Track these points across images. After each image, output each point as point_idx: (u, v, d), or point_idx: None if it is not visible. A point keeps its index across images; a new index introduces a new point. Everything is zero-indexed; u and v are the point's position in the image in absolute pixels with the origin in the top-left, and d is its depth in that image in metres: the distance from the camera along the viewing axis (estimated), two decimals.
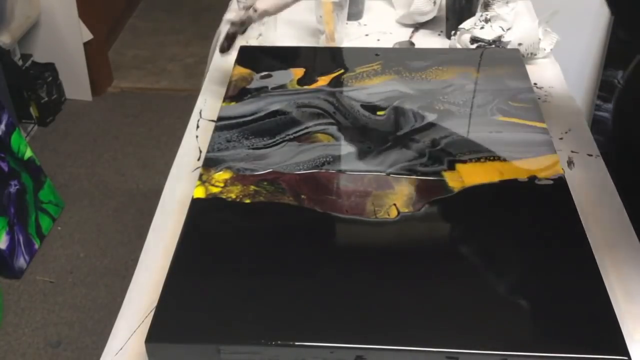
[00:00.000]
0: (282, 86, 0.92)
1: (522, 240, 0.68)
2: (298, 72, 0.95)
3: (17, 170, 1.89)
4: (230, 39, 1.00)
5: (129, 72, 2.82)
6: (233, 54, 1.03)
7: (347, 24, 1.24)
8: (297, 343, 0.57)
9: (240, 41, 1.03)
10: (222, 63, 1.07)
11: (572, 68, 1.25)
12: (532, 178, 0.75)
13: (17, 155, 1.90)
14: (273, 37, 1.20)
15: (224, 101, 0.90)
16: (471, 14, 1.19)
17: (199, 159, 0.91)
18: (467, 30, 1.16)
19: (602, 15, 1.51)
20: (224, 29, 1.01)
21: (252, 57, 0.99)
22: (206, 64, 1.00)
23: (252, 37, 1.18)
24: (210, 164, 0.78)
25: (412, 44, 1.23)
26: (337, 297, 0.61)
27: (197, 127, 0.99)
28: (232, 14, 0.97)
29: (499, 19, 1.16)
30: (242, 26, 0.97)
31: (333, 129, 0.84)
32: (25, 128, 2.36)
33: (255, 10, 0.95)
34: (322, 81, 0.93)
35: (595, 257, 0.65)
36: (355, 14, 1.29)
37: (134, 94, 2.68)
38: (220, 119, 0.86)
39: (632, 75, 1.00)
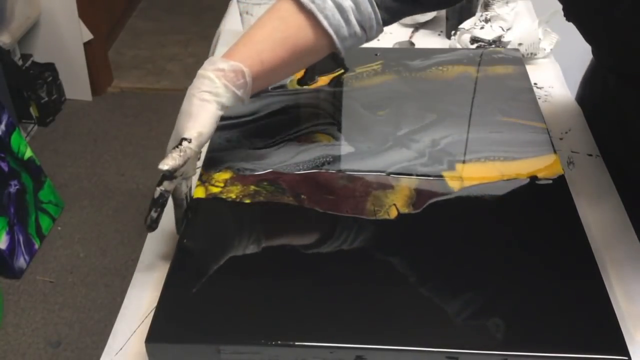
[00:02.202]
0: (282, 86, 0.92)
1: (522, 241, 0.68)
2: (298, 72, 0.95)
3: (17, 170, 1.89)
4: (159, 206, 0.69)
5: (129, 72, 2.83)
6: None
7: None
8: (297, 343, 0.57)
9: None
10: None
11: (572, 68, 1.25)
12: (532, 178, 0.75)
13: (17, 155, 1.91)
14: None
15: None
16: (471, 14, 1.19)
17: (199, 159, 0.91)
18: (467, 30, 1.16)
19: None
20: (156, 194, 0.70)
21: None
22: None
23: None
24: (210, 164, 0.78)
25: (412, 44, 1.23)
26: (337, 297, 0.61)
27: None
28: (168, 160, 0.67)
29: (499, 19, 1.16)
30: (171, 180, 0.68)
31: (333, 129, 0.84)
32: (25, 128, 2.36)
33: (189, 141, 0.68)
34: (322, 81, 0.93)
35: (595, 257, 0.65)
36: None
37: (134, 94, 2.68)
38: (220, 119, 0.86)
39: (588, 81, 1.01)
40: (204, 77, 0.71)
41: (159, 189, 0.69)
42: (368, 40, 0.80)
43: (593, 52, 0.83)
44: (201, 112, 0.70)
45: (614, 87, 0.88)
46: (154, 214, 0.70)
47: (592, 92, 0.99)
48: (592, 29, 0.78)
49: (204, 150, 0.80)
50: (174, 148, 0.68)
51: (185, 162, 0.68)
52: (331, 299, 0.61)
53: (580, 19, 0.78)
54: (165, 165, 0.67)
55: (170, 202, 0.72)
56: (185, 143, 0.68)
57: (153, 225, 0.71)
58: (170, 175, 0.68)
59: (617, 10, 0.70)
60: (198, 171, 0.77)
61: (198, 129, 0.69)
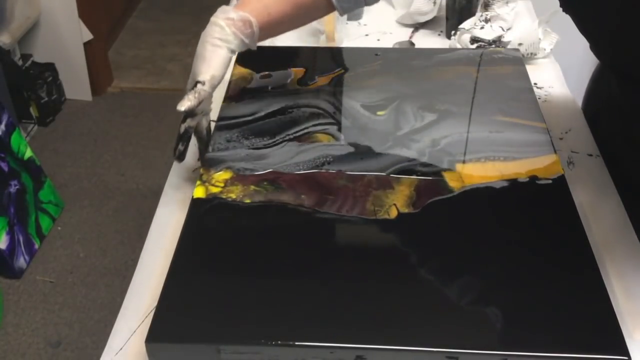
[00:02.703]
0: (282, 86, 0.92)
1: (522, 241, 0.68)
2: (298, 72, 0.95)
3: (17, 170, 1.89)
4: (185, 140, 0.80)
5: (129, 72, 2.82)
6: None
7: (347, 24, 1.24)
8: (297, 343, 0.57)
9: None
10: None
11: (572, 68, 1.25)
12: (532, 178, 0.75)
13: (17, 155, 1.90)
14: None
15: (224, 101, 0.90)
16: (471, 14, 1.19)
17: (199, 159, 0.91)
18: (467, 30, 1.16)
19: None
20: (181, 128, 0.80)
21: (252, 57, 0.99)
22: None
23: None
24: (210, 164, 0.78)
25: (412, 44, 1.23)
26: (337, 297, 0.61)
27: None
28: (184, 102, 0.76)
29: (499, 19, 1.16)
30: (193, 117, 0.79)
31: (333, 129, 0.84)
32: (25, 128, 2.36)
33: (203, 83, 0.77)
34: (322, 81, 0.93)
35: (595, 257, 0.65)
36: (355, 14, 1.29)
37: (134, 94, 2.68)
38: (220, 119, 0.86)
39: (594, 83, 1.01)
40: (216, 24, 0.80)
41: (183, 126, 0.79)
42: (367, 4, 0.87)
43: (590, 47, 0.83)
44: (213, 57, 0.79)
45: (616, 86, 0.88)
46: (180, 147, 0.80)
47: (597, 92, 0.99)
48: (587, 21, 0.78)
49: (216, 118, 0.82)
50: (189, 90, 0.77)
51: (200, 102, 0.77)
52: (331, 299, 0.61)
53: (576, 10, 0.78)
54: (182, 106, 0.76)
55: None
56: (199, 85, 0.77)
57: (181, 157, 0.81)
58: (191, 113, 0.78)
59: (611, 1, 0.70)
60: (214, 115, 0.86)
61: (211, 72, 0.78)
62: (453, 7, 1.21)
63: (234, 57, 0.83)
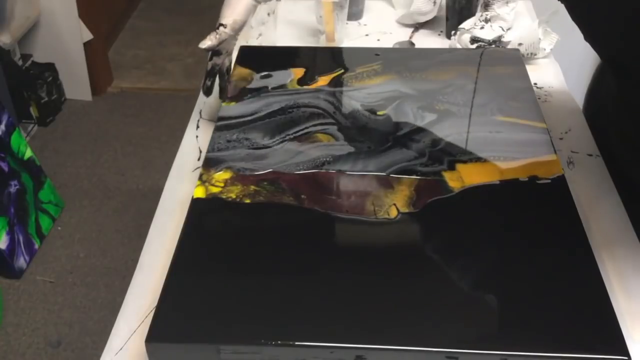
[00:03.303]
0: (282, 86, 0.92)
1: (521, 241, 0.68)
2: (298, 72, 0.95)
3: (17, 170, 1.89)
4: (212, 76, 0.94)
5: (129, 72, 2.82)
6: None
7: (347, 24, 1.24)
8: (297, 343, 0.57)
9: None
10: None
11: (572, 68, 1.25)
12: (532, 178, 0.75)
13: (17, 155, 1.91)
14: (273, 37, 1.20)
15: (224, 101, 0.90)
16: (471, 14, 1.19)
17: (199, 159, 0.91)
18: (467, 30, 1.16)
19: None
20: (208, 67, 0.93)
21: (252, 57, 0.99)
22: (206, 64, 0.97)
23: (252, 37, 1.18)
24: (210, 164, 0.78)
25: (412, 44, 1.23)
26: (337, 297, 0.61)
27: (197, 127, 0.99)
28: (206, 41, 0.88)
29: (499, 19, 1.16)
30: (219, 55, 0.91)
31: (333, 129, 0.84)
32: (25, 128, 2.36)
33: (225, 26, 0.89)
34: (322, 81, 0.93)
35: (595, 257, 0.65)
36: (355, 14, 1.29)
37: (134, 94, 2.68)
38: (220, 119, 0.86)
39: (595, 82, 1.01)
40: None
41: (210, 63, 0.92)
42: None
43: (585, 38, 0.82)
44: (238, 3, 0.89)
45: (616, 86, 0.88)
46: (208, 82, 0.94)
47: (597, 92, 0.99)
48: (581, 10, 0.78)
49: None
50: (213, 31, 0.88)
51: (219, 43, 0.88)
52: (331, 299, 0.61)
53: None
54: (203, 44, 0.88)
55: None
56: (221, 28, 0.88)
57: (208, 91, 0.95)
58: (217, 52, 0.91)
59: None
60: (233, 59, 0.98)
61: (234, 17, 0.89)
62: (453, 7, 1.21)
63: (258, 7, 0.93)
